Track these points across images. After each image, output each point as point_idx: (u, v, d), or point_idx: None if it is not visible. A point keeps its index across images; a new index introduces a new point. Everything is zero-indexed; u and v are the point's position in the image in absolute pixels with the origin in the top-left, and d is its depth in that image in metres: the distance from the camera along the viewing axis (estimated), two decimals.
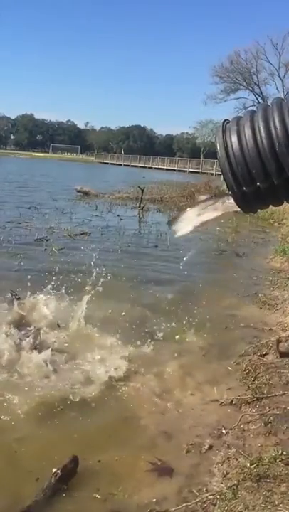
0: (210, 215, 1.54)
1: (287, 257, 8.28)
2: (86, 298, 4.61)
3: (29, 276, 5.83)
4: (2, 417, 3.10)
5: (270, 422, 3.10)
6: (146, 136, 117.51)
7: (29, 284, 5.01)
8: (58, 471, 2.51)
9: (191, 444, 2.91)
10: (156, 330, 4.67)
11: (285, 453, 2.68)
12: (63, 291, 5.02)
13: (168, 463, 2.75)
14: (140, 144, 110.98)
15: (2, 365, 3.75)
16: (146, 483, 2.60)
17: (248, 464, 2.60)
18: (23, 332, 4.18)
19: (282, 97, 1.59)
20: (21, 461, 2.73)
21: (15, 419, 3.09)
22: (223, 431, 3.06)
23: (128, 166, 68.79)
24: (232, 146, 1.54)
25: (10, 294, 4.98)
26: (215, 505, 2.35)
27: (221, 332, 4.84)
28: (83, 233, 10.09)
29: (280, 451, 2.70)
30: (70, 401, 3.33)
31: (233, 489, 2.42)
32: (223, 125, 1.62)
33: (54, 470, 2.51)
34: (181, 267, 5.76)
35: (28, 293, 4.97)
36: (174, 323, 4.89)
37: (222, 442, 2.94)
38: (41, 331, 4.25)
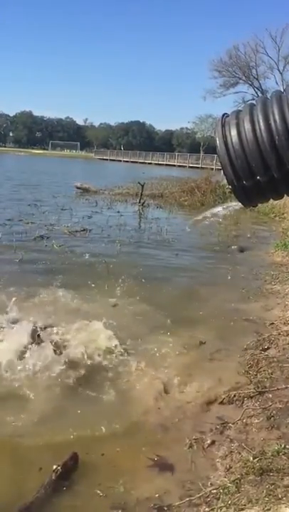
0: None
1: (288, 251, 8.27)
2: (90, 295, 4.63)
3: (30, 274, 5.85)
4: (6, 409, 3.11)
5: (273, 416, 3.10)
6: (146, 131, 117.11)
7: (30, 281, 5.01)
8: (59, 468, 2.53)
9: (194, 439, 2.92)
10: (158, 324, 4.67)
11: (288, 446, 2.68)
12: (64, 287, 5.02)
13: (170, 458, 2.76)
14: (139, 139, 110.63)
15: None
16: (148, 478, 2.61)
17: (251, 458, 2.61)
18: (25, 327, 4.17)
19: (282, 90, 1.58)
20: (24, 455, 2.74)
21: (18, 413, 3.10)
22: (226, 425, 3.06)
23: (128, 162, 68.64)
24: (231, 139, 1.53)
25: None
26: (218, 499, 2.35)
27: (222, 326, 4.84)
28: (83, 230, 10.07)
29: (282, 445, 2.71)
30: (73, 396, 3.34)
31: (236, 483, 2.43)
32: (222, 119, 1.61)
33: (54, 467, 2.53)
34: (181, 262, 5.75)
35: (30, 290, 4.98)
36: (175, 318, 4.89)
37: (225, 437, 2.95)
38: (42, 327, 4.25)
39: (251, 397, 3.37)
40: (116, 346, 4.10)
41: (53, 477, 2.49)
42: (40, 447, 2.83)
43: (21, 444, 2.85)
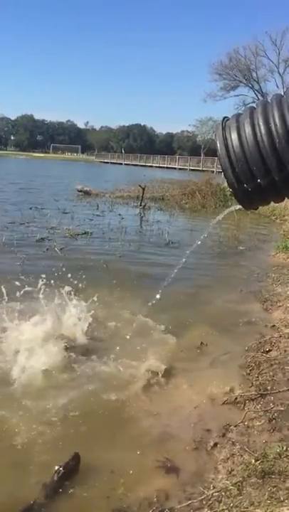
0: None
1: None
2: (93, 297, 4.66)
3: (31, 276, 5.81)
4: (8, 412, 3.12)
5: (275, 419, 3.10)
6: (147, 134, 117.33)
7: (32, 283, 4.98)
8: (60, 469, 2.52)
9: (196, 442, 2.92)
10: (160, 325, 4.67)
11: None
12: (65, 290, 5.02)
13: (173, 461, 2.75)
14: (140, 142, 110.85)
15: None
16: (150, 480, 2.60)
17: (253, 461, 2.61)
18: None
19: (282, 93, 1.59)
20: (26, 459, 2.74)
21: (20, 415, 3.10)
22: (228, 428, 3.06)
23: (129, 164, 68.75)
24: (232, 143, 1.54)
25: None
26: (220, 502, 2.35)
27: (224, 328, 4.84)
28: (85, 233, 10.08)
29: (284, 447, 2.71)
30: (75, 397, 3.35)
31: (238, 486, 2.42)
32: (222, 122, 1.62)
33: (56, 467, 2.52)
34: (182, 264, 5.74)
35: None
36: (177, 319, 4.89)
37: (227, 439, 2.94)
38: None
39: (253, 400, 3.37)
40: (115, 348, 4.09)
41: (55, 478, 2.49)
42: (41, 447, 2.82)
43: (23, 444, 2.85)
